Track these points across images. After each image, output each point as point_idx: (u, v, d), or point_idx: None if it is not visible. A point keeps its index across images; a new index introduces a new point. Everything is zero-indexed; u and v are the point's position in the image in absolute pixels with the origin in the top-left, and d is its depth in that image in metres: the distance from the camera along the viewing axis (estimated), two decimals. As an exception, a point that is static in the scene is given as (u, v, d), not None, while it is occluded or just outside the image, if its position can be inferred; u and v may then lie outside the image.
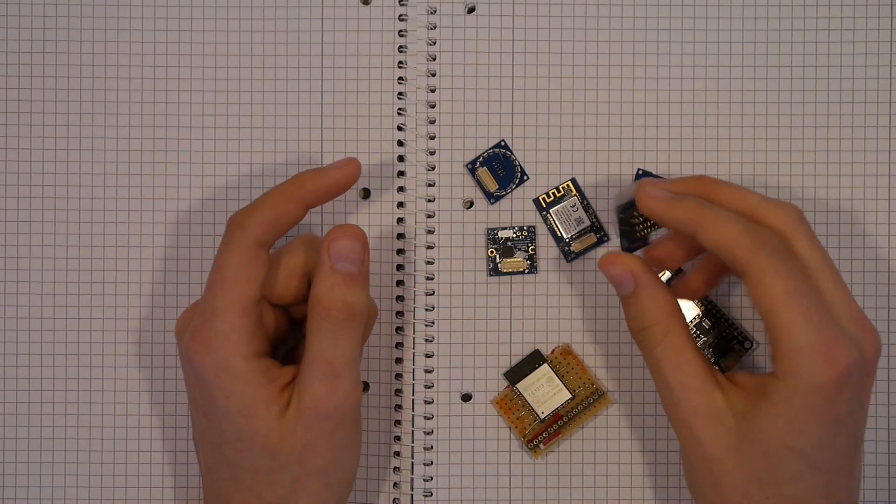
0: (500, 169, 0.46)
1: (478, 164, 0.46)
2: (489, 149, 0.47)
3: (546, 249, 0.47)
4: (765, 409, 0.38)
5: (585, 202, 0.47)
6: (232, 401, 0.38)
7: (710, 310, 0.46)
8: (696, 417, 0.39)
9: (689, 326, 0.41)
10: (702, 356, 0.40)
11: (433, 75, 0.47)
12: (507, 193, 0.46)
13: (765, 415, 0.38)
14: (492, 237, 0.46)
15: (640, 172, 0.47)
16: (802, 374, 0.37)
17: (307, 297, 0.40)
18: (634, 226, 0.45)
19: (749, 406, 0.38)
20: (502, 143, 0.46)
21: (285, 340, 0.43)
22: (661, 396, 0.40)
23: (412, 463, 0.46)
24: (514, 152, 0.47)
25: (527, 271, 0.46)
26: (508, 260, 0.46)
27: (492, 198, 0.47)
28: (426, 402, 0.46)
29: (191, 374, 0.39)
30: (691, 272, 0.44)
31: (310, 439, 0.38)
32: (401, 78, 0.47)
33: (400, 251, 0.47)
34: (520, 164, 0.47)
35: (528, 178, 0.47)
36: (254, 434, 0.38)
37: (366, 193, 0.47)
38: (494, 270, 0.46)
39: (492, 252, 0.46)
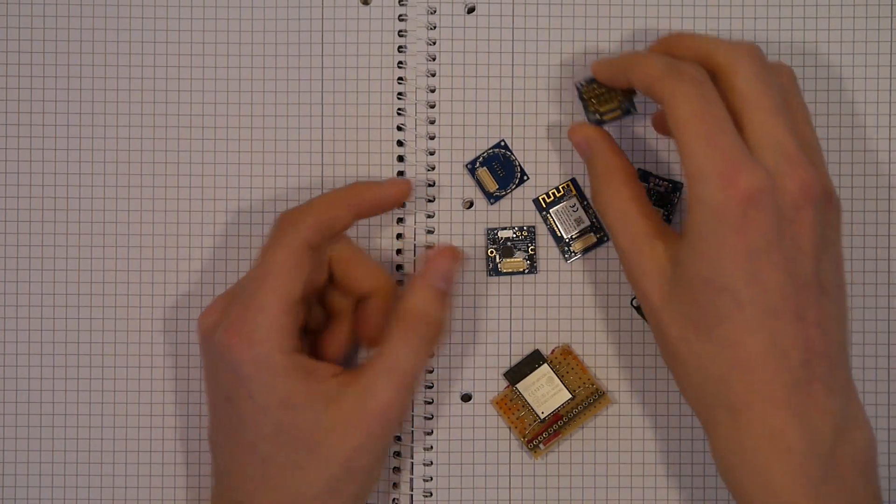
0: (500, 169, 0.46)
1: (478, 164, 0.46)
2: (489, 149, 0.47)
3: (546, 249, 0.47)
4: (683, 246, 0.38)
5: (585, 202, 0.47)
6: (272, 395, 0.38)
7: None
8: (641, 272, 0.39)
9: (640, 187, 0.41)
10: (648, 213, 0.40)
11: (433, 75, 0.47)
12: (507, 193, 0.46)
13: (683, 252, 0.38)
14: (492, 237, 0.46)
15: (640, 172, 0.47)
16: (703, 199, 0.36)
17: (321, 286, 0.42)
18: (590, 98, 0.45)
19: (677, 248, 0.38)
20: (502, 143, 0.46)
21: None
22: (620, 261, 0.41)
23: (412, 463, 0.46)
24: (513, 152, 0.47)
25: (526, 271, 0.46)
26: (508, 260, 0.46)
27: (492, 198, 0.47)
28: (426, 403, 0.46)
29: (222, 367, 0.39)
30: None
31: (363, 441, 0.39)
32: (401, 78, 0.47)
33: (400, 251, 0.47)
34: (520, 164, 0.47)
35: (528, 178, 0.47)
36: (295, 427, 0.38)
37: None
38: (494, 270, 0.46)
39: (492, 252, 0.46)
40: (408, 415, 0.46)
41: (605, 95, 0.44)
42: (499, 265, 0.46)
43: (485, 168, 0.46)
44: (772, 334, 0.37)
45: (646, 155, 0.47)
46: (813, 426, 0.37)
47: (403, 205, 0.46)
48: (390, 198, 0.43)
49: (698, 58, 0.39)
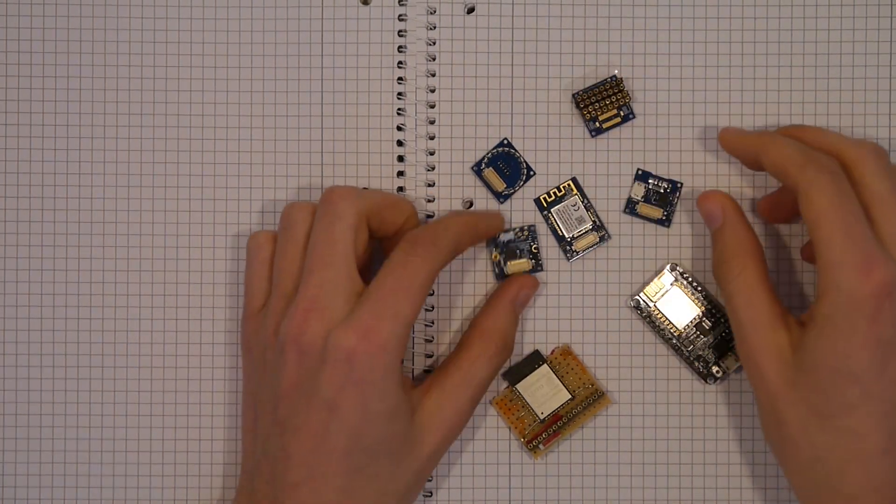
0: (506, 168, 0.46)
1: (483, 165, 0.46)
2: (493, 149, 0.47)
3: (547, 249, 0.47)
4: (811, 333, 0.38)
5: (586, 201, 0.47)
6: (385, 403, 0.38)
7: (711, 310, 0.46)
8: (761, 354, 0.39)
9: (766, 267, 0.42)
10: (773, 296, 0.41)
11: (433, 75, 0.47)
12: (516, 191, 0.46)
13: (811, 339, 0.38)
14: (493, 241, 0.46)
15: (640, 172, 0.47)
16: (839, 288, 0.37)
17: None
18: (588, 107, 0.46)
19: (802, 337, 0.39)
20: (505, 142, 0.46)
21: None
22: (734, 333, 0.42)
23: (412, 463, 0.46)
24: (517, 149, 0.47)
25: (532, 270, 0.46)
26: (513, 262, 0.46)
27: (501, 197, 0.47)
28: (426, 403, 0.46)
29: (337, 372, 0.38)
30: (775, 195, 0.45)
31: (435, 451, 0.41)
32: (400, 78, 0.47)
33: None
34: (525, 161, 0.47)
35: (534, 173, 0.47)
36: (393, 438, 0.39)
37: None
38: (501, 275, 0.46)
39: (495, 256, 0.46)
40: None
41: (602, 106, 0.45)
42: (505, 269, 0.46)
43: (490, 168, 0.46)
44: (892, 431, 0.38)
45: (645, 155, 0.47)
46: None
47: None
48: (501, 227, 0.46)
49: (824, 151, 0.41)
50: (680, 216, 0.47)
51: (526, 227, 0.46)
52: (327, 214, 0.41)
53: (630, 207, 0.46)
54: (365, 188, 0.45)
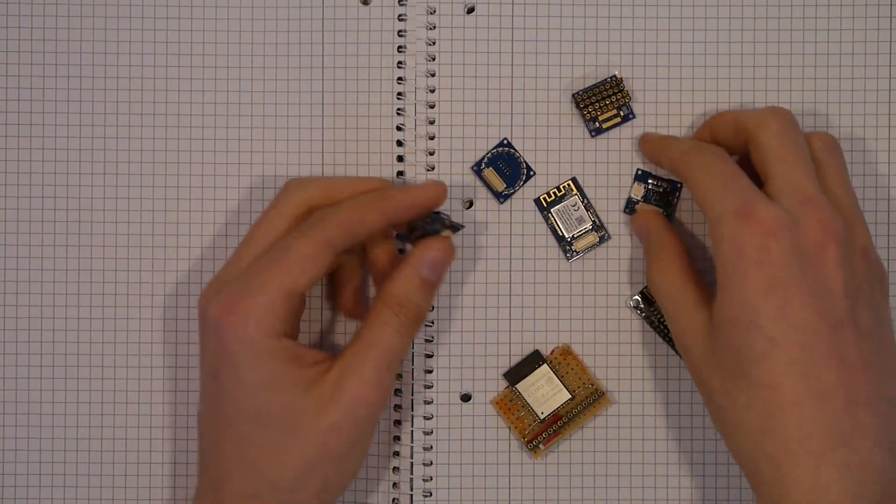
0: (506, 168, 0.46)
1: (483, 165, 0.46)
2: (492, 149, 0.47)
3: (546, 249, 0.47)
4: (717, 293, 0.38)
5: (586, 201, 0.47)
6: (255, 374, 0.38)
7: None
8: (686, 334, 0.40)
9: (689, 262, 0.43)
10: (696, 284, 0.41)
11: (433, 75, 0.47)
12: (516, 191, 0.46)
13: (717, 298, 0.38)
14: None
15: (640, 172, 0.47)
16: (722, 237, 0.37)
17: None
18: (588, 108, 0.46)
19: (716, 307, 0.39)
20: (505, 142, 0.46)
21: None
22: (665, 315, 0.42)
23: (412, 463, 0.46)
24: (517, 149, 0.47)
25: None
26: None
27: (501, 197, 0.47)
28: (426, 403, 0.46)
29: (214, 342, 0.39)
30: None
31: (338, 421, 0.39)
32: (400, 78, 0.47)
33: (400, 251, 0.47)
34: (525, 161, 0.47)
35: (534, 173, 0.47)
36: (276, 408, 0.39)
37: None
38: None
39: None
40: (407, 414, 0.46)
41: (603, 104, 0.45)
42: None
43: (490, 168, 0.46)
44: (808, 376, 0.36)
45: (645, 161, 0.47)
46: (859, 484, 0.35)
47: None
48: (424, 202, 0.42)
49: (735, 129, 0.42)
50: (680, 216, 0.47)
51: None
52: (272, 201, 0.42)
53: (630, 207, 0.46)
54: (331, 178, 0.45)
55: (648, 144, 0.45)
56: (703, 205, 0.39)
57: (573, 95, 0.46)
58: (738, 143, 0.42)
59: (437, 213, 0.43)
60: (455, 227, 0.43)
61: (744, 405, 0.37)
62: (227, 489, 0.39)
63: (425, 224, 0.42)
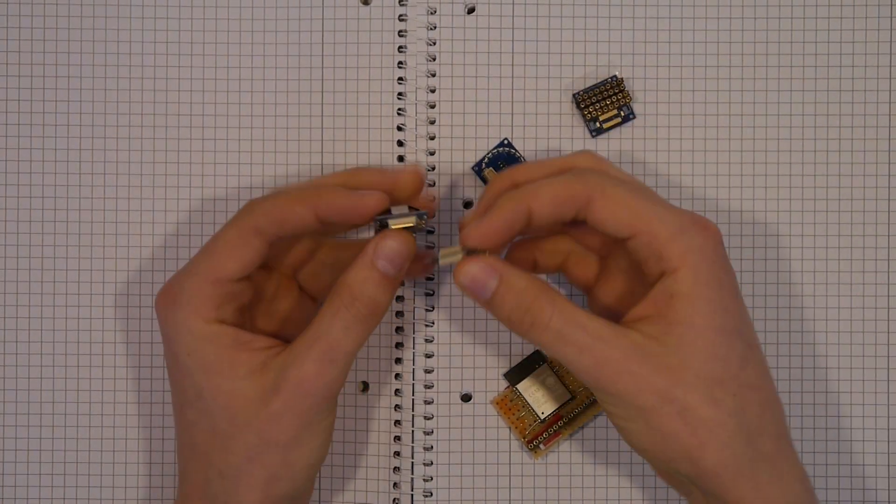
0: (506, 167, 0.46)
1: (483, 165, 0.46)
2: (493, 149, 0.47)
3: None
4: (681, 306, 0.37)
5: (586, 201, 0.47)
6: (193, 358, 0.38)
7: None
8: (631, 360, 0.36)
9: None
10: (590, 312, 0.38)
11: (433, 75, 0.47)
12: None
13: (686, 310, 0.37)
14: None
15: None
16: (693, 249, 0.37)
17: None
18: (588, 108, 0.46)
19: (664, 322, 0.37)
20: (506, 142, 0.46)
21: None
22: (579, 368, 0.37)
23: (412, 463, 0.46)
24: (517, 150, 0.47)
25: (415, 227, 0.40)
26: (395, 221, 0.40)
27: (502, 197, 0.47)
28: (426, 403, 0.46)
29: (161, 333, 0.40)
30: (513, 251, 0.44)
31: (278, 410, 0.38)
32: (401, 78, 0.47)
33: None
34: (525, 161, 0.46)
35: (534, 173, 0.47)
36: (215, 392, 0.38)
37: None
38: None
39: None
40: (407, 414, 0.46)
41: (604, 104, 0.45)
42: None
43: (491, 168, 0.46)
44: (768, 372, 0.38)
45: (645, 155, 0.47)
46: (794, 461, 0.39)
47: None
48: (353, 208, 0.39)
49: (556, 207, 0.39)
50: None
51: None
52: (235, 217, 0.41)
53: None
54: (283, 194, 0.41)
55: (496, 226, 0.38)
56: (639, 224, 0.37)
57: (573, 95, 0.46)
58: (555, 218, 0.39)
59: (411, 207, 0.41)
60: (420, 217, 0.40)
61: (738, 409, 0.37)
62: (186, 480, 0.40)
63: (393, 217, 0.40)
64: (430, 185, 0.46)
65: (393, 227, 0.39)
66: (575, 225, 0.41)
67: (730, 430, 0.36)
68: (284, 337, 0.41)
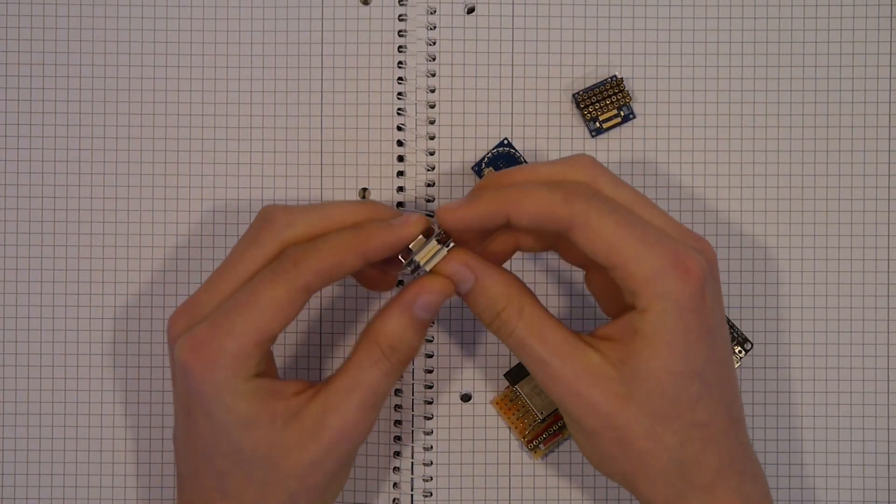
0: (506, 167, 0.46)
1: (483, 165, 0.46)
2: (493, 149, 0.47)
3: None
4: (642, 344, 0.37)
5: (586, 201, 0.47)
6: (232, 416, 0.37)
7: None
8: (580, 381, 0.37)
9: (537, 298, 0.39)
10: (561, 324, 0.38)
11: (433, 75, 0.47)
12: None
13: (644, 349, 0.37)
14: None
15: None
16: (666, 295, 0.36)
17: None
18: (588, 108, 0.46)
19: (624, 351, 0.37)
20: (505, 142, 0.46)
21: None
22: (538, 376, 0.38)
23: (412, 463, 0.46)
24: (517, 150, 0.47)
25: (441, 248, 0.40)
26: (421, 250, 0.40)
27: (501, 197, 0.46)
28: (426, 403, 0.46)
29: (183, 382, 0.38)
30: (489, 241, 0.42)
31: (319, 457, 0.38)
32: (401, 78, 0.47)
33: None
34: (525, 161, 0.47)
35: (533, 173, 0.47)
36: (255, 445, 0.38)
37: (365, 193, 0.47)
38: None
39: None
40: (407, 414, 0.46)
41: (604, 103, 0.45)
42: (415, 259, 0.40)
43: (490, 168, 0.46)
44: (730, 408, 0.39)
45: (645, 155, 0.47)
46: (766, 490, 0.40)
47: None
48: (403, 240, 0.39)
49: (547, 181, 0.38)
50: (680, 216, 0.47)
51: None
52: (251, 232, 0.40)
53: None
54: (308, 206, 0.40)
55: (470, 210, 0.38)
56: (616, 260, 0.37)
57: (573, 95, 0.46)
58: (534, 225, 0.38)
59: (430, 230, 0.40)
60: (447, 242, 0.39)
61: (677, 444, 0.37)
62: None
63: (418, 252, 0.39)
64: (429, 215, 0.46)
65: (428, 267, 0.39)
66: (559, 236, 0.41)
67: (663, 462, 0.37)
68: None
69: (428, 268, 0.39)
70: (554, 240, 0.42)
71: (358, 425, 0.38)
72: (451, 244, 0.39)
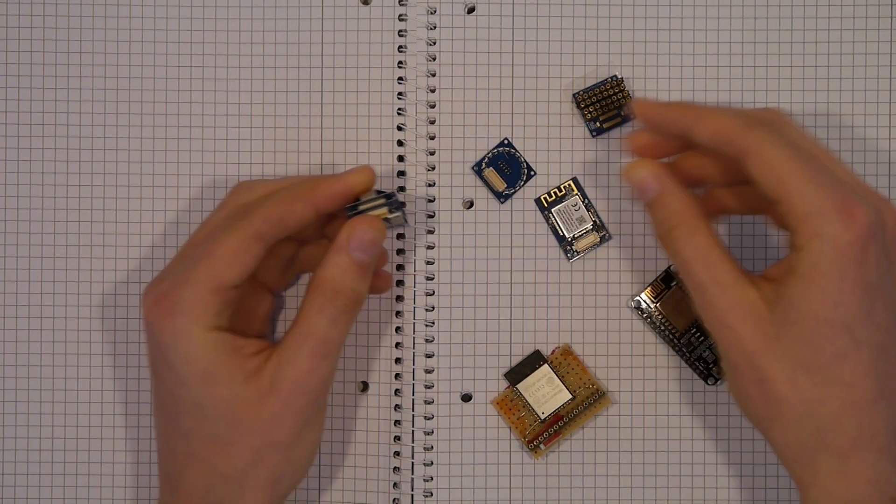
0: (506, 167, 0.46)
1: (483, 165, 0.46)
2: (493, 149, 0.47)
3: (547, 249, 0.47)
4: (795, 285, 0.36)
5: (587, 201, 0.47)
6: (191, 367, 0.38)
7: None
8: (733, 313, 0.38)
9: (714, 227, 0.40)
10: (730, 254, 0.39)
11: (433, 75, 0.47)
12: (516, 191, 0.46)
13: (796, 291, 0.36)
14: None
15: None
16: (824, 236, 0.36)
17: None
18: (588, 107, 0.46)
19: (779, 291, 0.37)
20: (506, 142, 0.46)
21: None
22: (695, 300, 0.39)
23: (412, 463, 0.46)
24: (517, 149, 0.47)
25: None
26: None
27: (502, 197, 0.46)
28: (426, 403, 0.46)
29: (149, 339, 0.39)
30: (715, 191, 0.43)
31: (279, 411, 0.39)
32: (401, 78, 0.47)
33: (400, 251, 0.47)
34: (525, 161, 0.46)
35: (535, 173, 0.47)
36: (215, 401, 0.38)
37: (366, 193, 0.47)
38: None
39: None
40: (407, 414, 0.46)
41: (604, 104, 0.45)
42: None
43: (491, 168, 0.46)
44: (881, 378, 0.37)
45: (646, 155, 0.47)
46: None
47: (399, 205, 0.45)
48: (351, 188, 0.40)
49: (721, 142, 0.39)
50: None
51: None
52: (220, 202, 0.42)
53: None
54: (277, 184, 0.42)
55: (662, 109, 0.40)
56: (782, 193, 0.36)
57: (574, 95, 0.46)
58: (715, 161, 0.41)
59: (380, 191, 0.41)
60: (394, 205, 0.41)
61: (816, 399, 0.37)
62: (181, 486, 0.39)
63: (364, 204, 0.41)
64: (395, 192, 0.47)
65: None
66: None
67: (798, 413, 0.37)
68: (243, 330, 0.41)
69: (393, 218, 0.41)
70: (761, 203, 0.41)
71: (312, 374, 0.39)
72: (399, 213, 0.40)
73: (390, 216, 0.40)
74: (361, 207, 0.40)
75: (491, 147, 0.47)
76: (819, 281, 0.36)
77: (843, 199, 0.36)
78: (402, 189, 0.47)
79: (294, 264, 0.44)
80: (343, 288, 0.39)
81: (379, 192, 0.41)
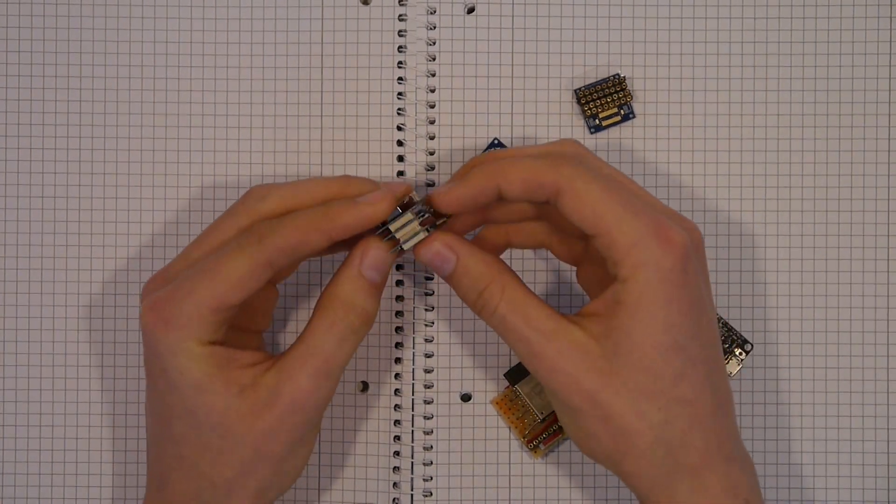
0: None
1: (478, 163, 0.46)
2: (485, 150, 0.47)
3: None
4: (624, 315, 0.37)
5: (586, 201, 0.47)
6: (186, 377, 0.38)
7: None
8: (564, 357, 0.37)
9: (520, 278, 0.39)
10: (544, 302, 0.38)
11: (433, 75, 0.47)
12: None
13: (626, 321, 0.37)
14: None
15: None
16: (647, 264, 0.36)
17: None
18: (588, 104, 0.46)
19: (607, 325, 0.37)
20: (496, 142, 0.47)
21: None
22: (520, 354, 0.38)
23: (412, 463, 0.46)
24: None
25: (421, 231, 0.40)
26: (401, 228, 0.40)
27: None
28: (426, 403, 0.46)
29: (145, 343, 0.39)
30: (485, 230, 0.43)
31: (273, 426, 0.38)
32: (401, 78, 0.47)
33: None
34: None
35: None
36: (208, 410, 0.38)
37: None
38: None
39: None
40: (407, 414, 0.46)
41: (604, 101, 0.45)
42: (400, 241, 0.40)
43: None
44: (715, 390, 0.38)
45: (645, 155, 0.47)
46: (752, 475, 0.39)
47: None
48: (369, 218, 0.39)
49: (527, 189, 0.38)
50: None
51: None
52: (231, 207, 0.41)
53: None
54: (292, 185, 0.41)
55: (461, 190, 0.39)
56: (602, 227, 0.37)
57: (575, 91, 0.46)
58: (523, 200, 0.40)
59: (410, 201, 0.40)
60: (427, 221, 0.39)
61: (663, 422, 0.37)
62: (169, 488, 0.39)
63: (393, 223, 0.39)
64: (428, 185, 0.47)
65: (406, 246, 0.39)
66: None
67: (648, 440, 0.37)
68: (246, 325, 0.41)
69: (407, 247, 0.39)
70: (545, 236, 0.42)
71: (312, 394, 0.38)
72: (439, 221, 0.39)
73: (420, 235, 0.39)
74: (398, 236, 0.39)
75: (483, 148, 0.47)
76: (649, 308, 0.36)
77: (657, 225, 0.37)
78: (401, 189, 0.47)
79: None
80: (354, 307, 0.39)
81: (404, 204, 0.40)
